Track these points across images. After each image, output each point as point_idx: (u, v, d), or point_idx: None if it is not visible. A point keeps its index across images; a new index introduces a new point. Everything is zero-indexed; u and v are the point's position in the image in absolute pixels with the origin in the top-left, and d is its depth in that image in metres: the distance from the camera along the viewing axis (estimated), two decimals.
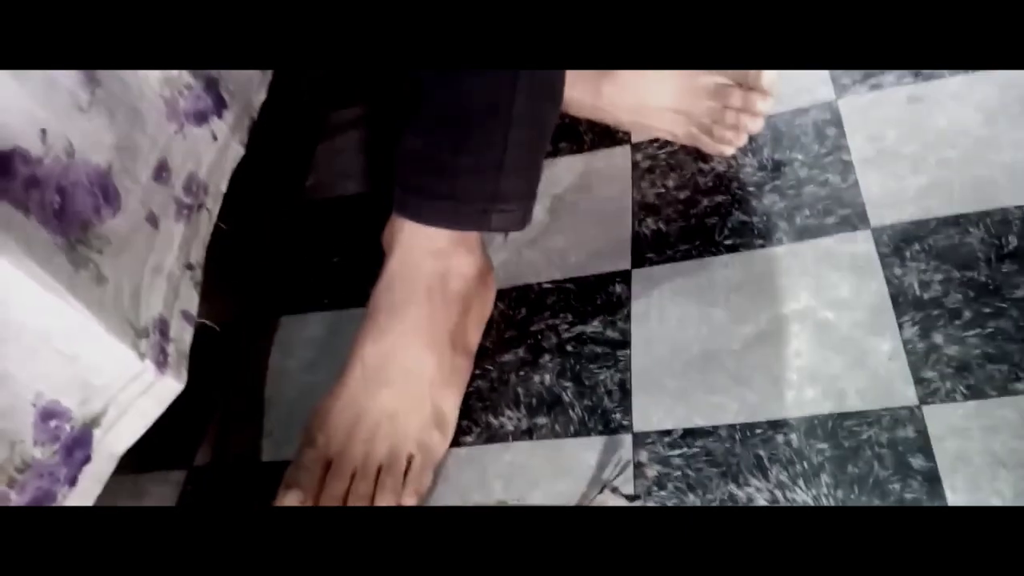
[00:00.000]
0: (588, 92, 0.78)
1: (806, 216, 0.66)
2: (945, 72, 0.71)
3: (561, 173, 0.81)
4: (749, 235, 0.67)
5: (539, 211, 0.74)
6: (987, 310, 0.56)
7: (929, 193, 0.64)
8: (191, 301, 0.64)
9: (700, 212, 0.71)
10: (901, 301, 0.58)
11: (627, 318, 0.66)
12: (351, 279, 0.79)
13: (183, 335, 0.62)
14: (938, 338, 0.56)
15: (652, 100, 0.75)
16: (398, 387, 0.62)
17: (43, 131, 0.55)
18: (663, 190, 0.74)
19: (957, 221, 0.61)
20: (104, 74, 0.61)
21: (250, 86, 0.78)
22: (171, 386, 0.58)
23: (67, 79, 0.57)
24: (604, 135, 0.82)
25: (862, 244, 0.63)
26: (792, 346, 0.59)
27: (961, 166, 0.64)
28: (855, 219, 0.64)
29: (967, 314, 0.56)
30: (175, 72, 0.68)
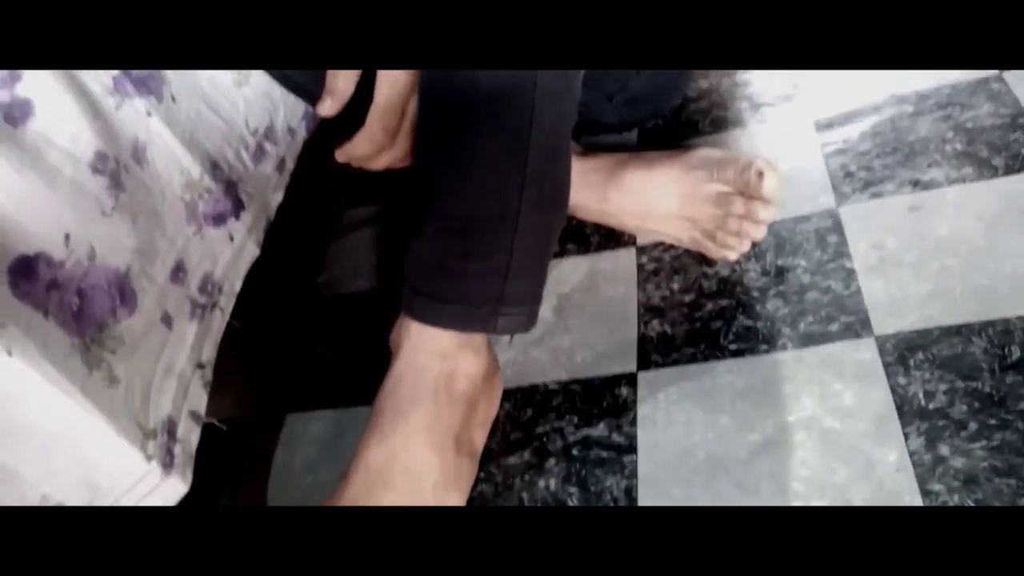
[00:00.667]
0: (594, 197, 0.80)
1: (810, 322, 0.67)
2: (944, 182, 0.73)
3: (567, 273, 0.82)
4: (754, 340, 0.68)
5: (545, 310, 0.75)
6: (993, 422, 0.56)
7: (931, 302, 0.64)
8: (200, 401, 0.65)
9: (705, 316, 0.72)
10: (906, 411, 0.58)
11: (633, 422, 0.66)
12: (358, 377, 0.79)
13: (190, 436, 0.63)
14: (944, 449, 0.55)
15: (657, 205, 0.77)
16: (401, 489, 0.62)
17: (67, 235, 0.57)
18: (668, 293, 0.76)
19: (960, 330, 0.62)
20: (128, 179, 0.63)
21: (267, 188, 0.81)
22: (176, 487, 0.58)
23: (94, 184, 0.60)
24: (609, 237, 0.83)
25: (866, 352, 0.63)
26: (798, 455, 0.59)
27: (963, 275, 0.65)
28: (858, 326, 0.65)
29: (973, 425, 0.56)
30: (196, 175, 0.70)
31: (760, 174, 0.69)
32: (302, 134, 0.87)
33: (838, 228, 0.73)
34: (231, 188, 0.74)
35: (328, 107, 0.64)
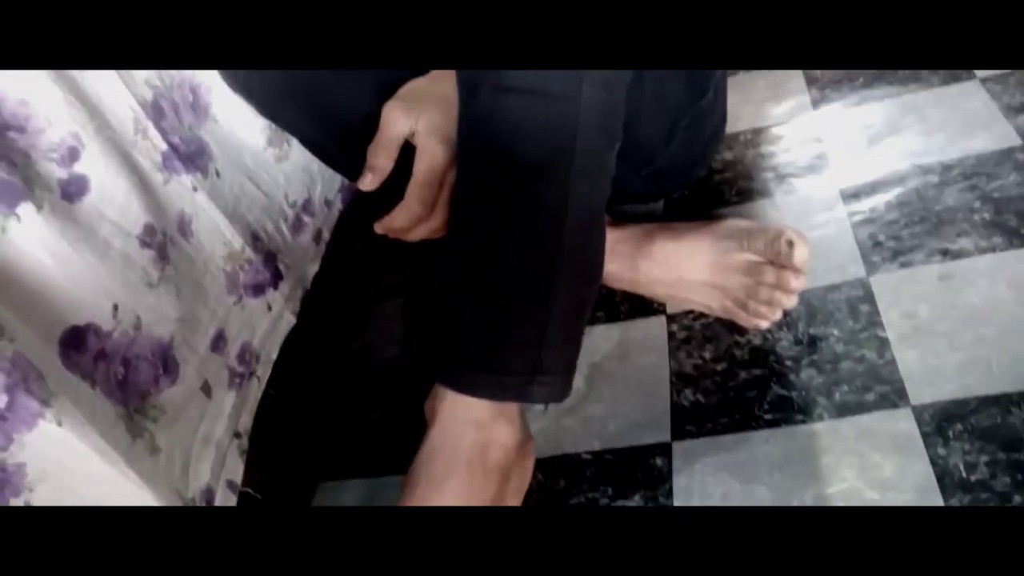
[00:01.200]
0: (624, 266, 0.81)
1: (845, 392, 0.67)
2: (974, 251, 0.73)
3: (598, 342, 0.83)
4: (789, 410, 0.68)
5: (577, 379, 0.75)
6: None
7: (968, 371, 0.64)
8: (236, 471, 0.66)
9: (738, 385, 0.72)
10: (948, 483, 0.58)
11: (669, 493, 0.65)
12: (391, 446, 0.79)
13: (227, 504, 0.63)
14: None
15: (687, 274, 0.78)
16: None
17: (115, 306, 0.59)
18: (700, 361, 0.76)
19: (998, 400, 0.61)
20: (174, 251, 0.65)
21: (305, 258, 0.83)
22: None
23: (141, 257, 0.62)
24: (640, 305, 0.84)
25: (903, 422, 0.63)
26: None
27: (998, 344, 0.65)
28: (894, 396, 0.65)
29: (1017, 499, 0.55)
30: (238, 247, 0.72)
31: (790, 244, 0.70)
32: (338, 206, 0.89)
33: (869, 297, 0.74)
34: (270, 259, 0.76)
35: (369, 182, 0.66)
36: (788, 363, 0.72)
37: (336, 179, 0.87)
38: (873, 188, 0.85)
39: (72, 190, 0.58)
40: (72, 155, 0.58)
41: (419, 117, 0.64)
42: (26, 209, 0.53)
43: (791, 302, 0.72)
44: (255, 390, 0.72)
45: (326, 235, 0.87)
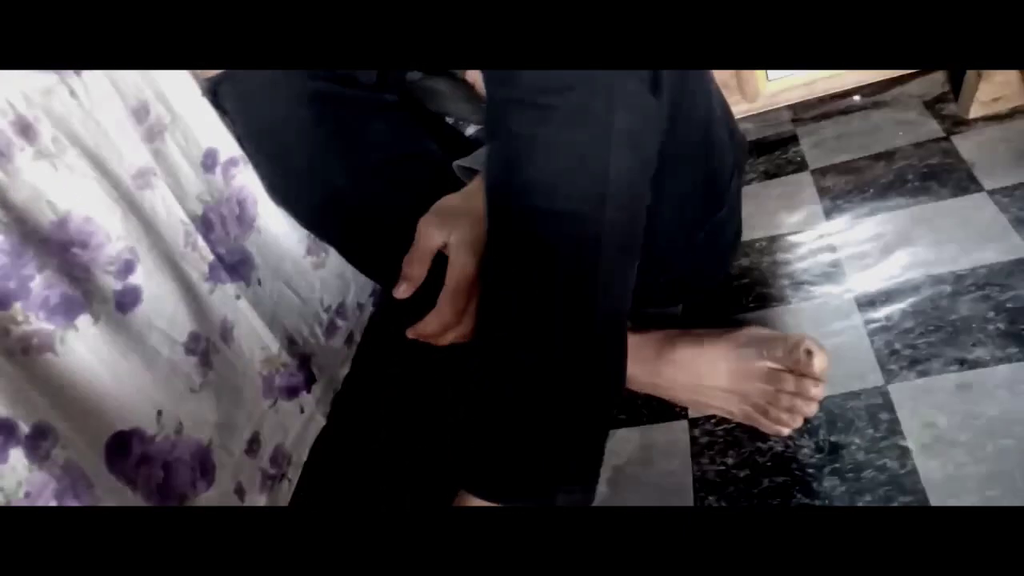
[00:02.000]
0: (646, 371, 0.83)
1: (868, 502, 0.67)
2: (990, 361, 0.75)
3: (621, 445, 0.84)
4: None
5: (600, 483, 0.76)
6: None
7: (991, 483, 0.65)
8: None
9: (761, 492, 0.73)
10: None
11: None
12: None
13: None
14: None
15: (708, 380, 0.79)
16: None
17: (159, 412, 0.61)
18: (723, 467, 0.77)
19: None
20: (216, 357, 0.68)
21: (336, 361, 0.86)
22: None
23: (186, 364, 0.65)
24: (662, 409, 0.86)
25: None
26: None
27: (1019, 456, 0.66)
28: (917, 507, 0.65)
29: None
30: (275, 351, 0.75)
31: (809, 353, 0.72)
32: (369, 309, 0.92)
33: (889, 406, 0.75)
34: (304, 362, 0.79)
35: (403, 291, 0.69)
36: (810, 471, 0.73)
37: (369, 284, 0.91)
38: (888, 297, 0.87)
39: (126, 301, 0.61)
40: (127, 268, 0.62)
41: (452, 231, 0.67)
42: (84, 321, 0.56)
43: (811, 410, 0.73)
44: (285, 492, 0.74)
45: (357, 337, 0.90)
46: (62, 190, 0.58)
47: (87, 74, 0.63)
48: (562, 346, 0.63)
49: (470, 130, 0.94)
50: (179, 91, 0.71)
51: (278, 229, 0.79)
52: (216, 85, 0.72)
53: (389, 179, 0.76)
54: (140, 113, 0.67)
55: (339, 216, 0.78)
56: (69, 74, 0.61)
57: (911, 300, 0.86)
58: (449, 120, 0.94)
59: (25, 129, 0.56)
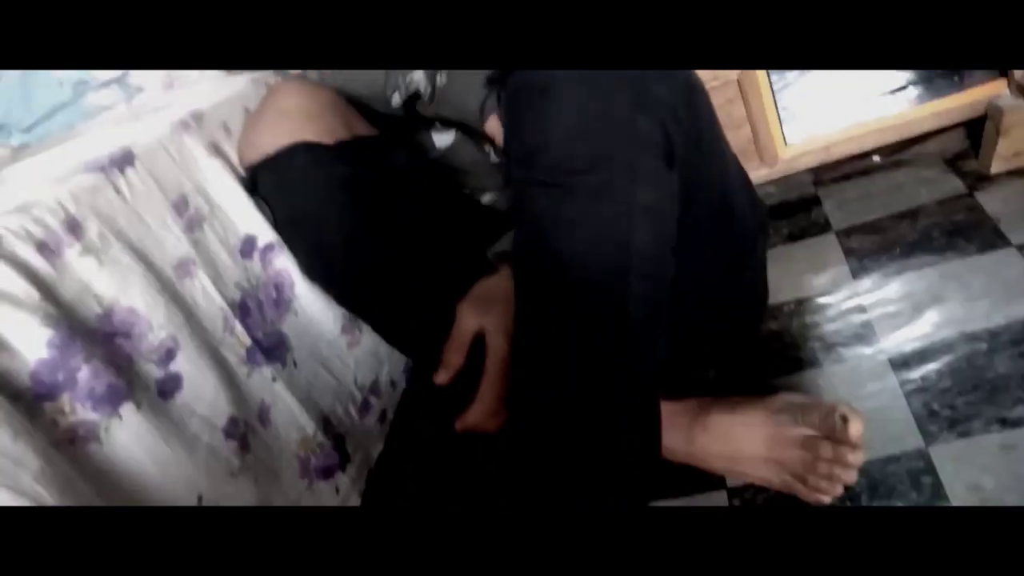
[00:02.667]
0: (680, 439, 0.83)
1: None
2: None
3: None
4: None
5: None
6: None
7: None
8: None
9: None
10: None
11: None
12: None
13: None
14: None
15: (744, 449, 0.79)
16: None
17: (200, 496, 0.62)
18: None
19: None
20: (254, 440, 0.69)
21: (370, 440, 0.86)
22: None
23: (225, 448, 0.66)
24: (699, 479, 0.84)
25: None
26: None
27: None
28: None
29: None
30: (311, 432, 0.76)
31: (844, 419, 0.72)
32: (402, 386, 0.93)
33: (931, 469, 0.74)
34: (339, 442, 0.80)
35: (444, 377, 0.70)
36: None
37: (401, 360, 0.92)
38: (922, 357, 0.86)
39: (167, 388, 0.63)
40: (169, 356, 0.64)
41: (489, 316, 0.69)
42: (127, 409, 0.58)
43: (851, 477, 0.72)
44: None
45: (390, 415, 0.91)
46: (107, 283, 0.60)
47: (131, 171, 0.66)
48: (593, 417, 0.64)
49: (486, 197, 0.97)
50: (217, 182, 0.74)
51: (313, 310, 0.80)
52: (254, 174, 0.75)
53: (420, 257, 0.78)
54: (180, 206, 0.70)
55: (373, 293, 0.80)
56: (114, 173, 0.64)
57: (946, 359, 0.85)
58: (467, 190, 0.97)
59: (74, 227, 0.59)
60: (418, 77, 0.78)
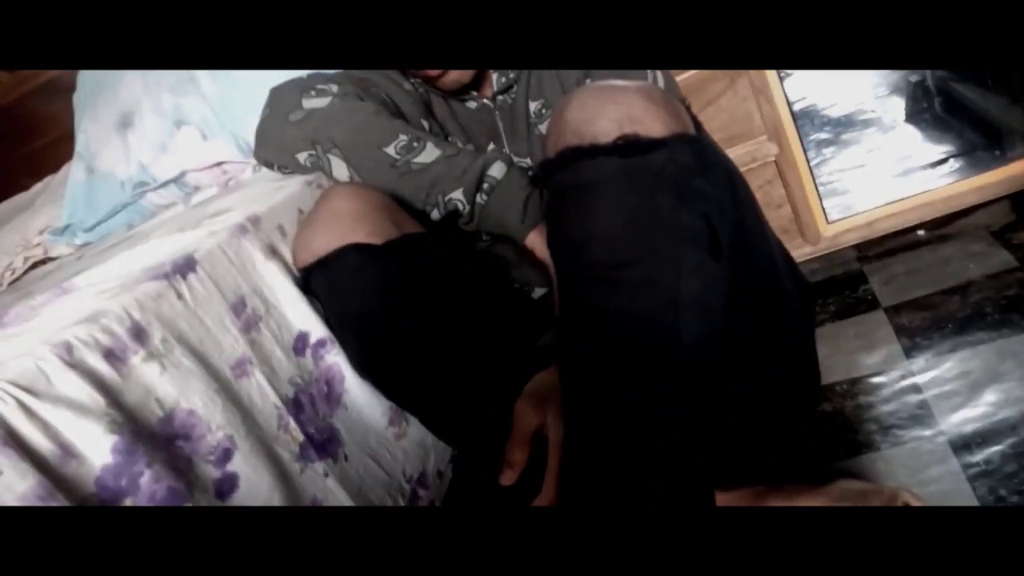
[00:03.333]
0: None
1: None
2: None
3: None
4: None
5: None
6: None
7: None
8: None
9: None
10: None
11: None
12: None
13: None
14: None
15: None
16: None
17: None
18: None
19: None
20: None
21: None
22: None
23: None
24: None
25: None
26: None
27: None
28: None
29: None
30: None
31: (907, 506, 0.70)
32: (448, 476, 0.93)
33: None
34: None
35: (509, 477, 0.70)
36: None
37: (448, 451, 0.92)
38: (984, 439, 0.84)
39: (224, 488, 0.64)
40: (226, 456, 0.65)
41: (547, 410, 0.69)
42: None
43: None
44: None
45: (438, 505, 0.90)
46: (169, 387, 0.62)
47: (192, 277, 0.69)
48: (649, 506, 0.63)
49: (537, 292, 0.98)
50: (273, 283, 0.77)
51: (362, 403, 0.81)
52: (308, 274, 0.78)
53: (468, 351, 0.79)
54: (238, 307, 0.72)
55: (423, 388, 0.81)
56: (177, 279, 0.67)
57: (1010, 441, 0.82)
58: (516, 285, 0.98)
59: (139, 333, 0.62)
60: (456, 196, 0.81)
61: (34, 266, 1.42)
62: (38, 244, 1.44)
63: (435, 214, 0.82)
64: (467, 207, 0.81)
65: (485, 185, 0.81)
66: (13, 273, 1.41)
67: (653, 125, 0.63)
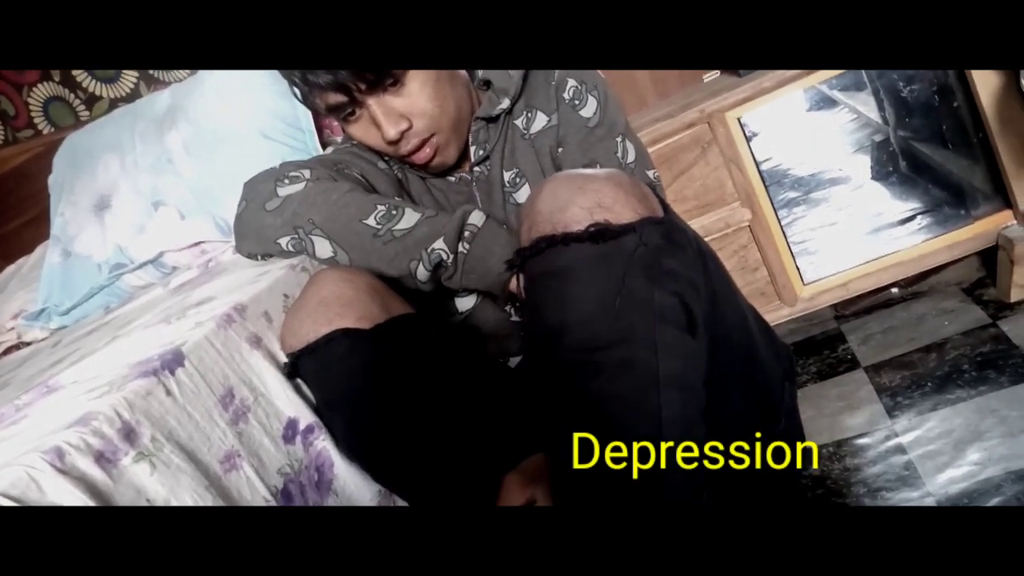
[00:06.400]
0: None
1: None
2: None
3: None
4: None
5: None
6: None
7: None
8: None
9: None
10: None
11: None
12: None
13: None
14: None
15: None
16: None
17: None
18: None
19: None
20: None
21: None
22: None
23: None
24: None
25: None
26: None
27: None
28: None
29: None
30: None
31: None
32: None
33: None
34: None
35: None
36: None
37: None
38: (971, 499, 0.85)
39: None
40: None
41: (536, 488, 0.69)
42: None
43: None
44: None
45: None
46: (159, 486, 0.61)
47: (180, 371, 0.68)
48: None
49: (513, 361, 0.98)
50: (261, 371, 0.76)
51: (352, 488, 0.80)
52: (296, 360, 0.77)
53: (454, 430, 0.79)
54: (226, 399, 0.71)
55: (409, 468, 0.80)
56: (165, 374, 0.67)
57: (996, 500, 0.83)
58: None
59: (128, 433, 0.61)
60: (439, 246, 0.81)
61: (7, 351, 1.40)
62: (12, 328, 1.42)
63: (420, 270, 0.82)
64: (451, 256, 0.82)
65: (466, 233, 0.83)
66: None
67: (623, 211, 0.65)
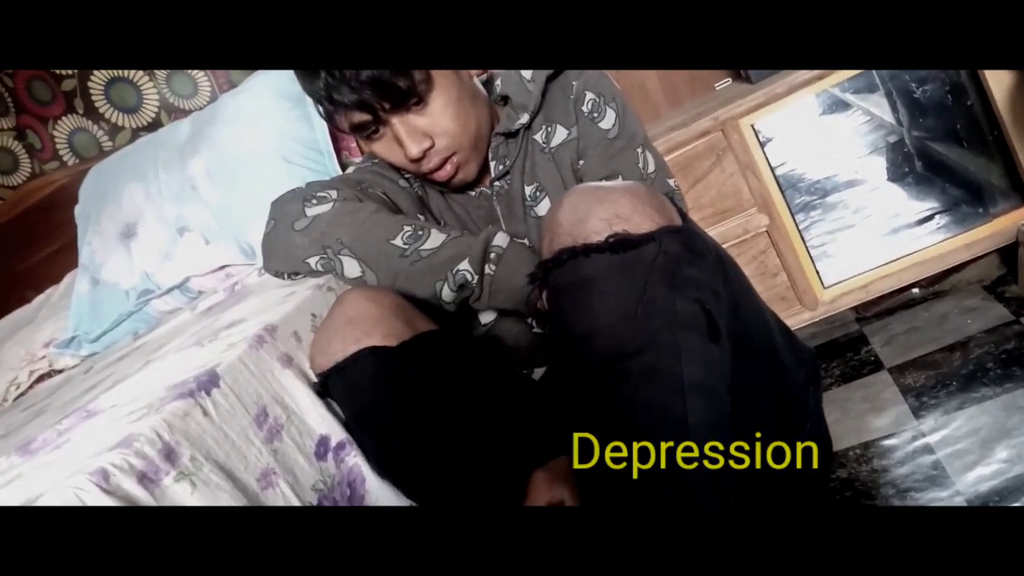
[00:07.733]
0: None
1: None
2: None
3: None
4: None
5: None
6: None
7: None
8: None
9: None
10: None
11: None
12: None
13: None
14: None
15: None
16: None
17: None
18: None
19: None
20: None
21: None
22: None
23: None
24: None
25: None
26: None
27: None
28: None
29: None
30: None
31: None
32: None
33: None
34: None
35: None
36: None
37: None
38: (1001, 497, 0.84)
39: None
40: None
41: (564, 488, 0.70)
42: None
43: None
44: None
45: None
46: (199, 504, 0.63)
47: (216, 392, 0.70)
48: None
49: (537, 374, 0.99)
50: (292, 389, 0.78)
51: (384, 504, 0.81)
52: (326, 378, 0.79)
53: (481, 443, 0.80)
54: (260, 418, 0.73)
55: (437, 482, 0.81)
56: (202, 395, 0.68)
57: None
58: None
59: (169, 454, 0.62)
60: (464, 267, 0.83)
61: (40, 379, 1.43)
62: (43, 357, 1.45)
63: (446, 291, 0.84)
64: (475, 277, 0.83)
65: (492, 255, 0.84)
66: (19, 388, 1.42)
67: (641, 221, 0.67)
